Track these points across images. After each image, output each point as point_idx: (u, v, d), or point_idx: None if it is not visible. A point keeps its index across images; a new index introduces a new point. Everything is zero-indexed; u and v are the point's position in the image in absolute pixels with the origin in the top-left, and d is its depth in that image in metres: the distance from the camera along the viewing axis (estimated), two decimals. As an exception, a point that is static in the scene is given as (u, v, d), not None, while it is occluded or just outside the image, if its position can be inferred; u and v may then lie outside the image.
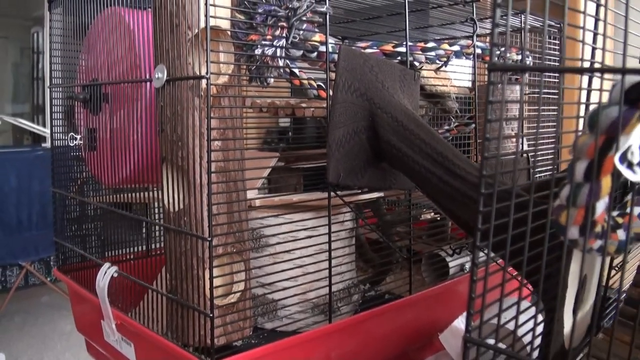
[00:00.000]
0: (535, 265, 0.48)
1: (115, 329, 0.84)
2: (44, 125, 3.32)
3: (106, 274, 0.83)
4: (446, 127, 1.07)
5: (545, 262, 0.47)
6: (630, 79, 0.36)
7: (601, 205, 0.42)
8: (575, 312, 0.66)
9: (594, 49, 0.53)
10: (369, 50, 0.90)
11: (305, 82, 0.89)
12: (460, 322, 0.78)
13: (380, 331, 0.86)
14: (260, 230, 0.85)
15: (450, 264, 0.97)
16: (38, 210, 2.61)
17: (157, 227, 1.12)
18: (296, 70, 0.87)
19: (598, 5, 0.53)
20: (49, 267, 3.05)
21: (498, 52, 0.40)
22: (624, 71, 0.37)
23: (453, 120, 0.99)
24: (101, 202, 0.94)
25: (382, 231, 0.98)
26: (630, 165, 0.35)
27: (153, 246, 1.10)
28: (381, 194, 0.93)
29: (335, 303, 0.84)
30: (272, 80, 0.84)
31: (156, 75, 0.69)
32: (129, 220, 0.93)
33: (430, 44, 0.93)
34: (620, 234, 0.52)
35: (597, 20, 0.54)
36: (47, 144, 3.07)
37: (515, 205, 0.43)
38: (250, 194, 0.85)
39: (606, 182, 0.41)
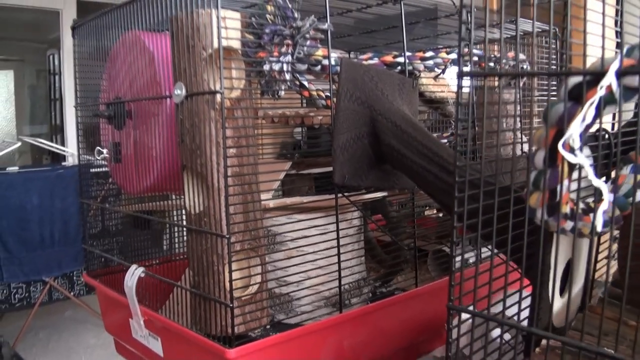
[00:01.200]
0: (514, 246, 0.55)
1: (143, 325, 0.92)
2: (63, 145, 3.43)
3: (134, 274, 0.92)
4: (450, 131, 1.16)
5: (524, 243, 0.54)
6: (573, 80, 0.45)
7: (563, 188, 0.50)
8: (562, 293, 0.73)
9: (562, 54, 0.61)
10: (370, 62, 0.98)
11: (314, 93, 0.98)
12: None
13: (388, 322, 0.94)
14: (275, 230, 0.93)
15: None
16: (60, 227, 2.70)
17: (177, 234, 1.21)
18: (305, 83, 0.96)
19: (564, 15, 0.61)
20: (72, 282, 3.13)
21: (468, 60, 0.48)
22: (584, 73, 0.45)
23: (453, 124, 1.06)
24: (126, 210, 1.03)
25: (389, 229, 1.06)
26: (572, 150, 0.43)
27: (175, 251, 1.20)
28: (385, 194, 1.01)
29: (345, 296, 0.93)
30: (282, 93, 0.93)
31: (175, 92, 0.78)
32: (153, 227, 1.01)
33: (429, 53, 1.01)
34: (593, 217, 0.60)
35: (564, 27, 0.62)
36: (67, 163, 3.17)
37: (490, 193, 0.51)
38: (265, 197, 0.94)
39: (565, 169, 0.49)
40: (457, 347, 0.52)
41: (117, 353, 2.82)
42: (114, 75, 0.99)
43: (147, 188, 0.94)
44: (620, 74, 0.43)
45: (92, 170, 1.14)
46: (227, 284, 0.77)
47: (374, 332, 0.92)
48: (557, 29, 1.01)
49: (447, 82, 1.09)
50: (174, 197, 1.11)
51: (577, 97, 0.44)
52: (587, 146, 0.73)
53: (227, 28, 0.76)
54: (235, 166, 0.77)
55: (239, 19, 0.79)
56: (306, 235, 0.88)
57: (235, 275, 0.77)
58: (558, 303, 0.72)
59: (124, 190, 1.00)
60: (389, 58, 0.97)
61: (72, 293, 3.12)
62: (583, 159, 0.42)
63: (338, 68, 0.85)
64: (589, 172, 0.42)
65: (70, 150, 3.17)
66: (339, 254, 0.87)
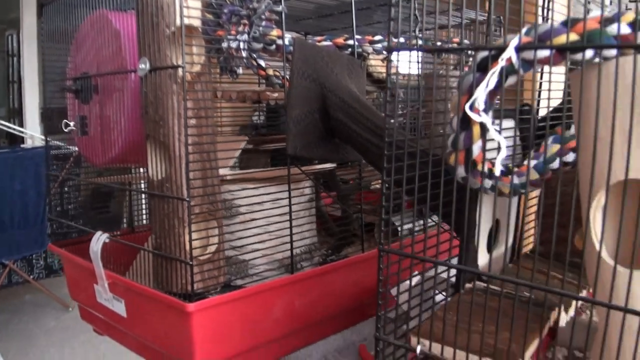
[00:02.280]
0: (436, 203, 0.65)
1: (108, 288, 1.00)
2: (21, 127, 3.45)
3: (99, 239, 0.99)
4: (399, 112, 1.25)
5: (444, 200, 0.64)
6: (481, 54, 0.54)
7: (477, 148, 0.59)
8: (490, 249, 0.83)
9: (487, 35, 0.70)
10: (324, 43, 1.07)
11: (271, 72, 1.07)
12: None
13: (336, 284, 1.03)
14: (232, 200, 1.01)
15: (400, 228, 1.14)
16: (19, 210, 2.72)
17: (137, 207, 1.29)
18: (262, 63, 1.04)
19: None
20: (32, 266, 3.17)
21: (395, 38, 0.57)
22: (489, 48, 0.54)
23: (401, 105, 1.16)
24: (95, 180, 1.10)
25: (340, 200, 1.15)
26: (477, 111, 0.52)
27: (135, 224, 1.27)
28: (334, 166, 1.10)
29: (297, 262, 1.01)
30: (240, 71, 1.02)
31: (140, 66, 0.85)
32: (114, 200, 1.09)
33: (377, 37, 1.10)
34: (512, 178, 0.70)
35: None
36: (26, 145, 3.20)
37: (415, 155, 0.61)
38: (224, 172, 1.02)
39: (476, 130, 0.58)
40: (386, 286, 0.61)
41: (76, 335, 2.88)
42: (81, 53, 1.06)
43: (112, 159, 1.02)
44: (519, 49, 0.52)
45: (53, 152, 1.21)
46: (187, 245, 0.85)
47: (323, 293, 1.01)
48: (501, 17, 1.11)
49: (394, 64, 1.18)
50: (134, 170, 1.18)
51: (484, 69, 0.53)
52: (513, 119, 0.83)
53: (189, 7, 0.83)
54: (195, 135, 0.85)
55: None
56: (262, 205, 0.96)
57: (194, 236, 0.86)
58: (485, 258, 0.82)
59: (89, 162, 1.08)
60: (340, 40, 1.06)
61: (31, 276, 3.16)
62: (486, 118, 0.51)
63: (292, 48, 0.93)
64: (490, 129, 0.51)
65: (30, 132, 3.21)
66: (290, 220, 0.95)
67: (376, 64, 1.15)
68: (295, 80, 0.90)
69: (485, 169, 0.64)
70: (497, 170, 0.53)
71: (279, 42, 0.94)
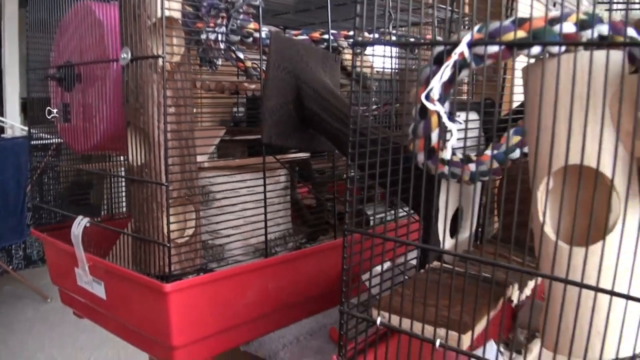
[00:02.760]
0: (393, 189, 0.70)
1: (88, 270, 1.04)
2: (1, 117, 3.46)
3: (80, 224, 1.03)
4: (374, 107, 1.30)
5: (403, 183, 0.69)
6: (438, 49, 0.59)
7: (435, 136, 0.65)
8: (453, 235, 0.88)
9: (448, 31, 0.76)
10: (300, 37, 1.12)
11: (249, 64, 1.12)
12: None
13: (309, 269, 1.08)
14: (209, 188, 1.06)
15: (372, 217, 1.19)
16: (-1, 200, 2.74)
17: (116, 195, 1.33)
18: (241, 56, 1.09)
19: None
20: (11, 256, 3.19)
21: (359, 34, 0.62)
22: (445, 43, 0.60)
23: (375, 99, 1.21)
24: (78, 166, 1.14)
25: (314, 189, 1.20)
26: (432, 101, 0.57)
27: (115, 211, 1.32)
28: (309, 155, 1.15)
29: (272, 247, 1.06)
30: (219, 63, 1.07)
31: (122, 56, 0.90)
32: (94, 189, 1.13)
33: (352, 32, 1.15)
34: (472, 167, 0.75)
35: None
36: (6, 135, 3.22)
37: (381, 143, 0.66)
38: (202, 160, 1.07)
39: (434, 119, 0.63)
40: (350, 263, 0.66)
41: (55, 325, 2.91)
42: (65, 44, 1.10)
43: (93, 146, 1.06)
44: (471, 45, 0.57)
45: (33, 142, 1.25)
46: (165, 228, 0.89)
47: (296, 278, 1.06)
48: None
49: (369, 59, 1.24)
50: (114, 159, 1.22)
51: (439, 62, 0.59)
52: (476, 112, 0.88)
53: (170, 0, 0.88)
54: (173, 123, 0.90)
55: (181, -8, 0.92)
56: (238, 193, 1.01)
57: (172, 220, 0.90)
58: (448, 243, 0.88)
59: (72, 148, 1.12)
60: (316, 35, 1.11)
61: (10, 267, 3.18)
62: (440, 107, 0.56)
63: (268, 41, 0.98)
64: (443, 117, 0.56)
65: (10, 122, 3.23)
66: (265, 206, 1.00)
67: (350, 58, 1.20)
68: (271, 72, 0.95)
69: (445, 156, 0.70)
70: (448, 154, 0.58)
71: (256, 35, 0.99)
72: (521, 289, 0.73)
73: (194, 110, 1.30)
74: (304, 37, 1.11)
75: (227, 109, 1.59)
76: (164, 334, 0.91)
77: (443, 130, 0.62)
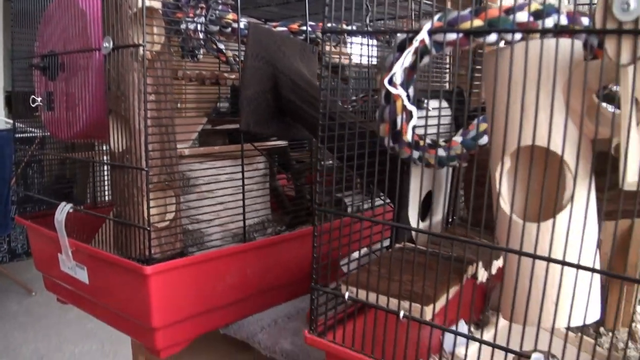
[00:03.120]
0: (370, 170, 0.74)
1: (71, 255, 1.07)
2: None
3: (63, 210, 1.07)
4: (353, 98, 1.34)
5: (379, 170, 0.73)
6: (400, 36, 0.63)
7: (400, 120, 0.68)
8: (424, 218, 0.92)
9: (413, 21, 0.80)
10: (279, 28, 1.16)
11: (231, 56, 1.15)
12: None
13: (288, 255, 1.11)
14: (189, 174, 1.10)
15: (349, 205, 1.23)
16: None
17: (99, 184, 1.37)
18: (222, 47, 1.13)
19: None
20: (-4, 249, 3.21)
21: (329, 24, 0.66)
22: (407, 32, 0.63)
23: (352, 90, 1.25)
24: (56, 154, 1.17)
25: (293, 178, 1.24)
26: (394, 85, 0.61)
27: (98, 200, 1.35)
28: (286, 143, 1.19)
29: (250, 233, 1.10)
30: (201, 55, 1.10)
31: (104, 45, 0.93)
32: (78, 177, 1.17)
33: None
34: (440, 152, 0.79)
35: None
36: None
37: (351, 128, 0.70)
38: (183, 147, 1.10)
39: (399, 103, 0.67)
40: (320, 242, 0.70)
41: (39, 319, 2.93)
42: (49, 34, 1.13)
43: (77, 134, 1.09)
44: (431, 32, 0.61)
45: (17, 135, 1.29)
46: (145, 212, 0.93)
47: (274, 263, 1.09)
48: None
49: (346, 49, 1.28)
50: (96, 147, 1.26)
51: (402, 49, 0.63)
52: (446, 100, 0.93)
53: (150, -9, 0.92)
54: (154, 110, 0.94)
55: (161, -17, 0.95)
56: (216, 175, 1.05)
57: (152, 204, 0.94)
58: (421, 227, 0.91)
59: (55, 136, 1.15)
60: (295, 26, 1.15)
61: (-6, 260, 3.20)
62: (401, 91, 0.60)
63: (247, 31, 1.02)
64: (404, 100, 0.60)
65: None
66: (243, 192, 1.04)
67: (329, 49, 1.24)
68: (249, 61, 0.98)
69: (407, 139, 0.74)
70: (409, 136, 0.62)
71: (235, 25, 1.02)
72: (486, 267, 0.78)
73: (179, 105, 1.34)
74: (283, 28, 1.15)
75: (212, 103, 1.63)
76: (144, 315, 0.95)
77: (408, 114, 0.66)
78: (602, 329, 0.94)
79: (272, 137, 1.15)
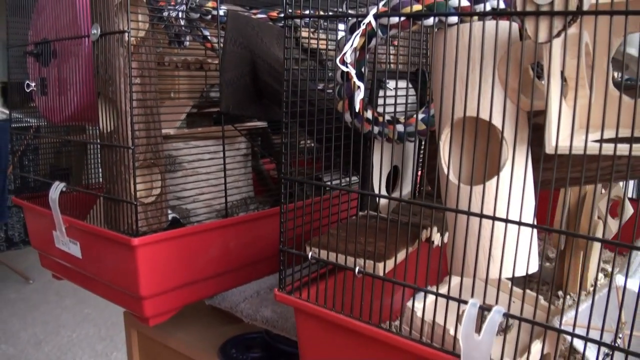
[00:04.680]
0: (326, 145, 0.83)
1: (65, 232, 1.17)
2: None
3: (57, 188, 1.17)
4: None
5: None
6: (352, 20, 0.72)
7: (357, 97, 0.78)
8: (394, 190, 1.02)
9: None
10: (259, 16, 1.25)
11: (215, 44, 1.25)
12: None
13: (268, 230, 1.21)
14: (175, 154, 1.19)
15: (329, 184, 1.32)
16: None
17: (93, 167, 1.46)
18: (207, 34, 1.22)
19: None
20: (-7, 238, 3.30)
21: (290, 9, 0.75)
22: (356, 16, 0.73)
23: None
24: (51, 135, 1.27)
25: (275, 159, 1.34)
26: (346, 65, 0.71)
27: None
28: (265, 124, 1.29)
29: (233, 209, 1.20)
30: (187, 43, 1.20)
31: (92, 32, 1.03)
32: (72, 160, 1.26)
33: (307, 11, 1.28)
34: (399, 127, 0.89)
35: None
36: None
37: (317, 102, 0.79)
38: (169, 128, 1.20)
39: (354, 83, 0.76)
40: (286, 208, 0.79)
41: (37, 306, 3.03)
42: (41, 23, 1.23)
43: (68, 117, 1.19)
44: (377, 17, 0.70)
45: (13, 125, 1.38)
46: (132, 188, 1.03)
47: (256, 237, 1.19)
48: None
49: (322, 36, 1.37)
50: (89, 131, 1.36)
51: (353, 31, 0.72)
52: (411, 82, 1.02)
53: (134, -20, 1.01)
54: (139, 92, 1.03)
55: (144, -28, 1.05)
56: (199, 154, 1.15)
57: (138, 181, 1.03)
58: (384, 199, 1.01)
59: (48, 120, 1.25)
60: (274, 14, 1.24)
61: (-9, 248, 3.30)
62: (351, 69, 0.70)
63: (226, 18, 1.11)
64: (353, 77, 0.70)
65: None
66: (224, 171, 1.14)
67: (306, 35, 1.33)
68: (228, 46, 1.08)
69: (369, 116, 0.83)
70: (356, 106, 0.71)
71: (215, 12, 1.12)
72: (441, 231, 0.87)
73: (172, 95, 1.43)
74: (263, 15, 1.24)
75: (201, 89, 1.72)
76: (133, 285, 1.05)
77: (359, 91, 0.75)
78: (559, 292, 1.03)
79: (252, 119, 1.24)
